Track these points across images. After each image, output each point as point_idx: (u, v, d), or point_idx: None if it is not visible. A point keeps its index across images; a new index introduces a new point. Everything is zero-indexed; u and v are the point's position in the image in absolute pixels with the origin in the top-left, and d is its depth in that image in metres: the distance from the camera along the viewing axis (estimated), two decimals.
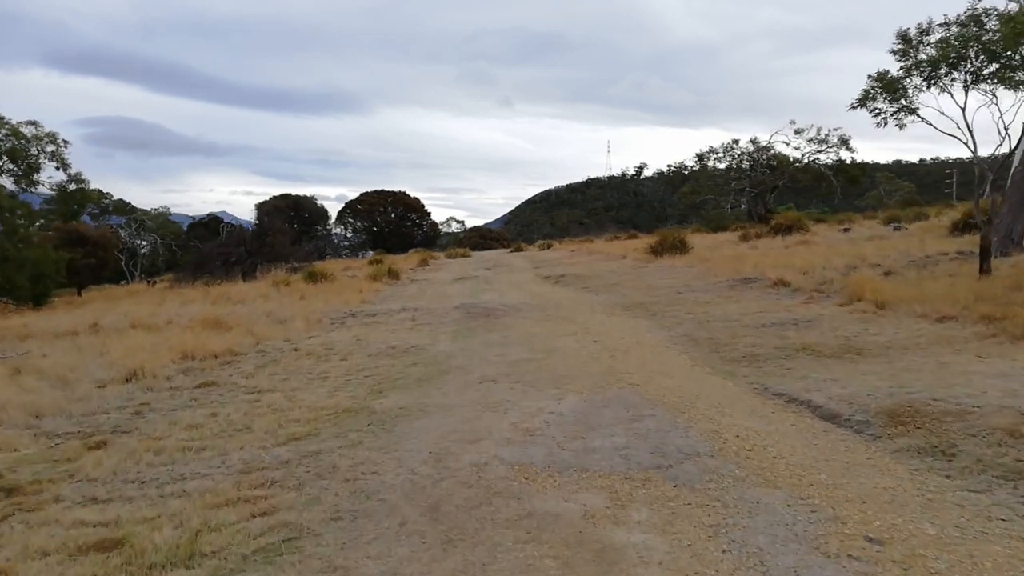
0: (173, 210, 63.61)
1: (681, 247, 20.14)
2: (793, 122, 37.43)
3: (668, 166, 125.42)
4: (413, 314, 12.03)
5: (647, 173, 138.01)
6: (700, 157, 42.22)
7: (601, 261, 24.32)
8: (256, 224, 42.50)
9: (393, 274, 22.86)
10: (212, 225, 54.92)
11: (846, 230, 25.47)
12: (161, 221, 61.56)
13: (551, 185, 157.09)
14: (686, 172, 45.76)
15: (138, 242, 56.98)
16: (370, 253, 59.28)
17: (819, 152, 38.01)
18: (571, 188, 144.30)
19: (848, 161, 37.74)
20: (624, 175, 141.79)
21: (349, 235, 74.32)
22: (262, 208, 65.63)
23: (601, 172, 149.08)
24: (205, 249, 32.47)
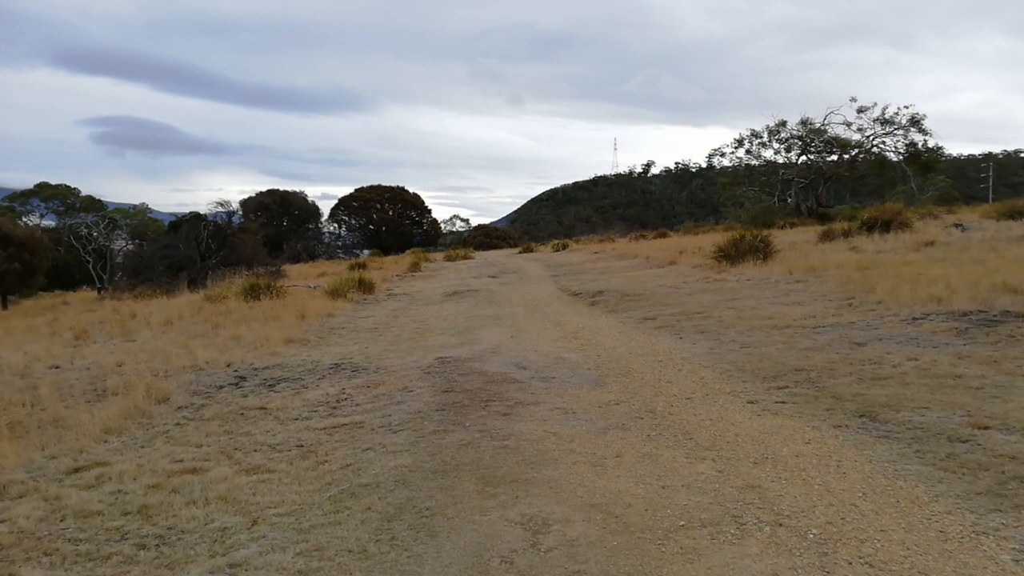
0: (182, 209, 57.87)
1: (764, 251, 14.24)
2: (854, 99, 31.07)
3: (676, 163, 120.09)
4: (345, 385, 6.20)
5: (655, 171, 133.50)
6: (739, 142, 36.06)
7: (641, 268, 18.43)
8: (240, 221, 37.11)
9: (366, 286, 17.03)
10: (195, 223, 49.35)
11: (959, 226, 19.52)
12: (140, 219, 55.80)
13: (558, 183, 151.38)
14: (723, 158, 39.55)
15: (105, 243, 51.36)
16: (366, 253, 53.33)
17: (885, 135, 32.03)
18: (578, 186, 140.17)
19: (920, 145, 31.74)
20: (631, 173, 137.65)
21: (343, 233, 68.43)
22: (247, 205, 59.90)
23: (608, 170, 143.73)
24: (145, 252, 26.80)
